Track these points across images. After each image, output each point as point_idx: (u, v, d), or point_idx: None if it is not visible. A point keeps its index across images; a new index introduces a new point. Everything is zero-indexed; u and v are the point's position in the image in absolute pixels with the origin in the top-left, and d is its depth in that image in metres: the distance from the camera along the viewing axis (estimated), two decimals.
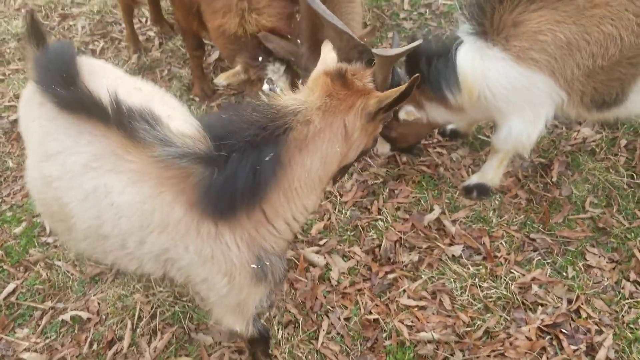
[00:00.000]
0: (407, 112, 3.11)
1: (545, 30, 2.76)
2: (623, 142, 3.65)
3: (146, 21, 5.51)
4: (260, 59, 3.61)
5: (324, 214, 3.54)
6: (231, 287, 2.10)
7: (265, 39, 3.52)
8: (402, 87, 1.95)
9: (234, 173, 1.86)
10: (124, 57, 5.14)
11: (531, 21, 2.79)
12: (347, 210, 3.54)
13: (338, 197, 3.61)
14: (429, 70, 2.99)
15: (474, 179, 3.47)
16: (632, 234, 3.17)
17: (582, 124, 3.82)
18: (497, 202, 3.46)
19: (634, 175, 3.46)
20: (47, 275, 3.42)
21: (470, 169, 3.68)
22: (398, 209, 3.51)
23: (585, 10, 2.74)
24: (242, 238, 2.01)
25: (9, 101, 4.67)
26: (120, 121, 1.97)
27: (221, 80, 3.60)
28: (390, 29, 4.83)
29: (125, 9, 4.96)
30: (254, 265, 2.05)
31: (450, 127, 3.88)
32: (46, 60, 2.30)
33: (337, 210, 3.55)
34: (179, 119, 2.19)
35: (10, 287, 3.32)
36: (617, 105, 3.03)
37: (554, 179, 3.51)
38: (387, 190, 3.62)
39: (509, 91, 2.91)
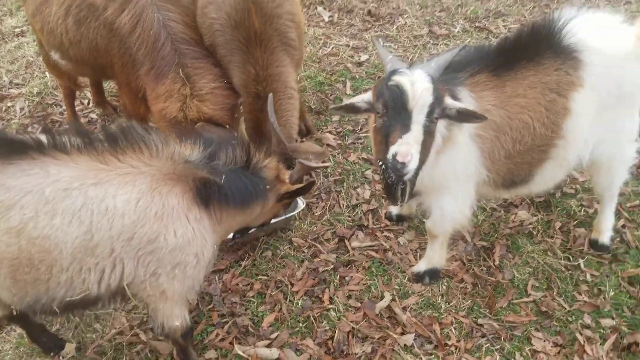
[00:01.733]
0: None
1: (491, 109, 2.91)
2: (558, 224, 3.85)
3: (88, 103, 5.46)
4: None
5: (275, 305, 3.51)
6: (197, 265, 2.61)
7: (203, 129, 3.55)
8: (302, 185, 3.02)
9: (222, 181, 2.62)
10: None
11: (484, 99, 2.92)
12: (299, 300, 3.52)
13: (289, 285, 3.60)
14: None
15: (422, 266, 3.56)
16: (573, 317, 3.31)
17: (519, 206, 4.03)
18: (444, 287, 3.54)
19: (570, 257, 3.65)
20: None
21: (417, 253, 3.77)
22: (349, 297, 3.52)
23: (511, 98, 2.94)
24: (211, 225, 2.66)
25: None
26: (91, 141, 2.45)
27: None
28: (334, 113, 4.99)
29: (66, 92, 4.91)
30: (215, 246, 2.75)
31: (395, 211, 3.99)
32: None
33: (288, 300, 3.53)
34: None
35: None
36: (522, 185, 3.24)
37: (497, 263, 3.64)
38: (338, 277, 3.64)
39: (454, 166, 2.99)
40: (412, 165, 2.48)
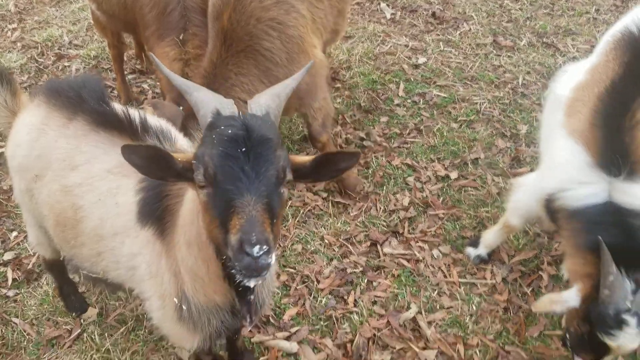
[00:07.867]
0: None
1: None
2: None
3: (141, 72, 5.50)
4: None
5: (299, 299, 3.45)
6: (164, 314, 2.24)
7: (155, 106, 3.43)
8: None
9: None
10: None
11: None
12: (323, 297, 3.45)
13: (315, 282, 3.54)
14: None
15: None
16: None
17: None
18: (474, 307, 3.41)
19: None
20: (1, 332, 3.24)
21: (450, 270, 3.64)
22: (375, 302, 3.44)
23: None
24: (171, 267, 2.12)
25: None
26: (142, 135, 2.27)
27: None
28: (383, 114, 4.89)
29: (114, 54, 4.95)
30: (175, 300, 2.15)
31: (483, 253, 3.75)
32: (83, 84, 2.46)
33: (312, 296, 3.47)
34: None
35: None
36: None
37: (533, 290, 3.49)
38: (366, 281, 3.56)
39: None
40: None
